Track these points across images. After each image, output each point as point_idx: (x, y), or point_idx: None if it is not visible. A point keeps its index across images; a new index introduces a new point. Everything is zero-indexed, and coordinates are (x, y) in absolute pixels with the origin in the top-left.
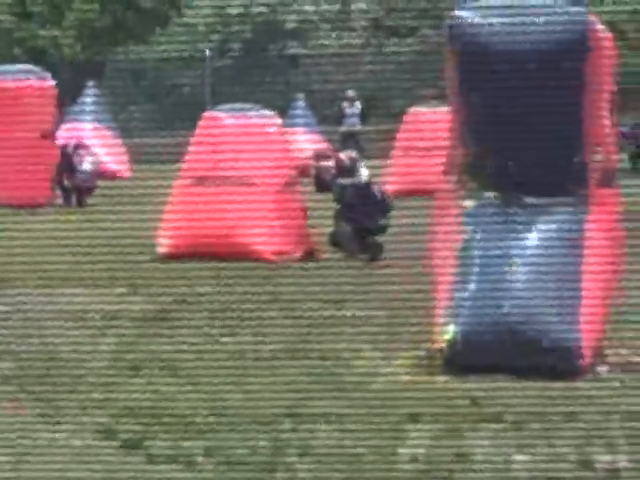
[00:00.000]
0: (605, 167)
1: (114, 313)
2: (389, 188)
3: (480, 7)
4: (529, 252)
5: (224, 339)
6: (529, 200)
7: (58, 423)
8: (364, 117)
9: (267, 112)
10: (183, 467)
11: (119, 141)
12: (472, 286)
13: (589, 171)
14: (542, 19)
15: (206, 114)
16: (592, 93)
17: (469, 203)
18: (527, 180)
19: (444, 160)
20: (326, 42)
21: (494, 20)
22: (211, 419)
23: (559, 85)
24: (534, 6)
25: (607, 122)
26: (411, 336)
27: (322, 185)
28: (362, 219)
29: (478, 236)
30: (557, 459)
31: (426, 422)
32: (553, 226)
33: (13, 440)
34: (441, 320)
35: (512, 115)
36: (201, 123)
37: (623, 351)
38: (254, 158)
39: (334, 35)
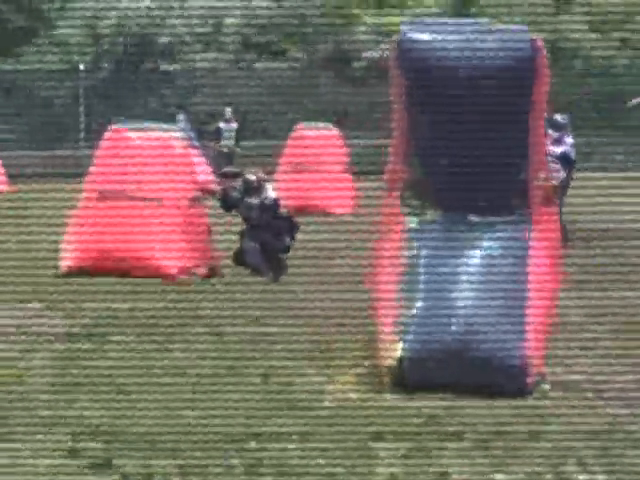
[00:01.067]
0: (545, 185)
1: (36, 330)
2: None
3: (427, 26)
4: (474, 270)
5: (159, 356)
6: (473, 218)
7: (15, 442)
8: (239, 136)
9: (172, 128)
10: None
11: None
12: (419, 304)
13: (532, 189)
14: (490, 38)
15: (111, 128)
16: (537, 112)
17: (413, 221)
18: (471, 198)
19: (339, 177)
20: (197, 58)
21: (442, 39)
22: (176, 437)
23: (507, 104)
24: (479, 25)
25: (544, 142)
26: (345, 353)
27: (228, 204)
28: (269, 238)
29: (423, 254)
30: (536, 478)
31: (391, 440)
32: (498, 244)
33: None
34: (388, 338)
35: (458, 133)
36: (106, 137)
37: (558, 369)
38: (160, 173)
39: (205, 52)
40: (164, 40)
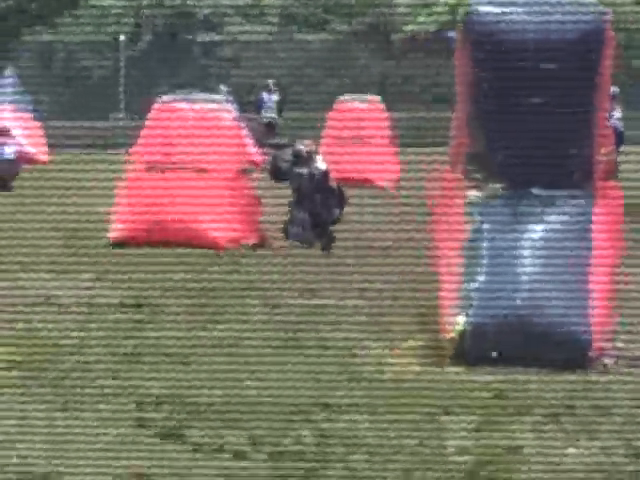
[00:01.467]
0: (608, 160)
1: (89, 300)
2: None
3: (497, 1)
4: (538, 244)
5: (214, 327)
6: (537, 192)
7: (80, 411)
8: (281, 107)
9: (221, 99)
10: (231, 457)
11: (38, 125)
12: (481, 277)
13: (596, 164)
14: (559, 12)
15: (160, 100)
16: (602, 87)
17: (475, 194)
18: (535, 172)
19: (383, 150)
20: (238, 30)
21: (511, 11)
22: (244, 408)
23: (574, 77)
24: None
25: (607, 117)
26: (403, 326)
27: (278, 174)
28: (318, 209)
29: (486, 227)
30: (609, 452)
31: (459, 414)
32: (561, 218)
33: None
34: (450, 311)
35: (524, 107)
36: (155, 109)
37: (621, 344)
38: (208, 145)
39: (247, 25)
40: (204, 12)
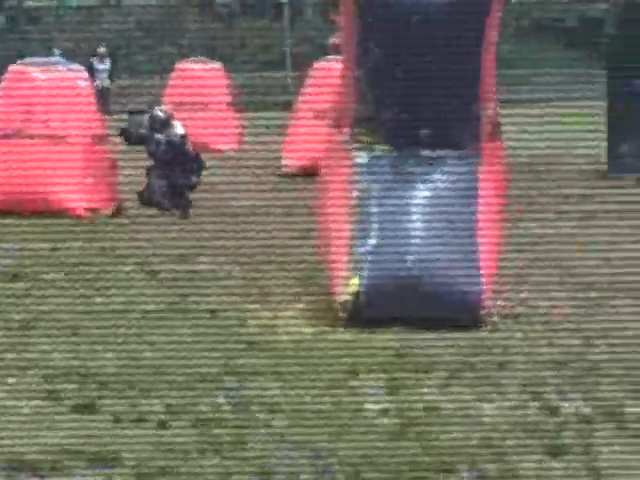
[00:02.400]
0: (492, 121)
1: None
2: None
3: None
4: (426, 205)
5: (97, 294)
6: (424, 153)
7: None
8: (112, 74)
9: (75, 66)
10: (155, 426)
11: None
12: (372, 240)
13: (482, 125)
14: None
15: (12, 67)
16: (489, 47)
17: (362, 156)
18: (423, 133)
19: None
20: None
21: None
22: (152, 378)
23: (460, 37)
24: None
25: (494, 76)
26: (284, 289)
27: (134, 139)
28: (177, 175)
29: (374, 188)
30: (523, 405)
31: (367, 375)
32: (449, 178)
33: None
34: (341, 273)
35: (411, 67)
36: (7, 77)
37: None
38: (64, 112)
39: None
40: None
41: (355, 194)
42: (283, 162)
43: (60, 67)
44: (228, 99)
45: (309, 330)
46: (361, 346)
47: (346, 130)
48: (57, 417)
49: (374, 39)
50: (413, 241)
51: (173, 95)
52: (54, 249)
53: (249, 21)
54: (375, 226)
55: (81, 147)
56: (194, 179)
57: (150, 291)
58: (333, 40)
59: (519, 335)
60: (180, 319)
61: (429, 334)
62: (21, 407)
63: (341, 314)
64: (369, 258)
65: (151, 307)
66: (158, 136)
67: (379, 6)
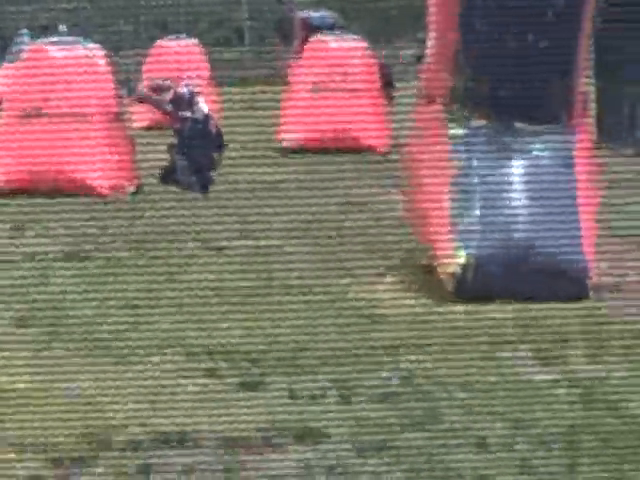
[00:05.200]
0: (585, 96)
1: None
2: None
3: None
4: (526, 177)
5: (175, 271)
6: (520, 126)
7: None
8: None
9: (93, 44)
10: (338, 401)
11: None
12: (477, 212)
13: (577, 99)
14: None
15: (30, 47)
16: (587, 23)
17: (458, 129)
18: (519, 106)
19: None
20: None
21: None
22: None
23: (560, 14)
24: None
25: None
26: (367, 262)
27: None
28: (199, 153)
29: (473, 161)
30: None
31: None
32: (546, 150)
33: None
34: (445, 247)
35: (506, 40)
36: (25, 56)
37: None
38: (84, 90)
39: None
40: None
41: (454, 167)
42: (282, 137)
43: (78, 45)
44: (207, 76)
45: (420, 303)
46: (486, 317)
47: (440, 104)
48: (229, 395)
49: (476, 14)
50: (517, 212)
51: (150, 72)
52: (104, 227)
53: None
54: (478, 198)
55: (102, 125)
56: (216, 157)
57: (232, 267)
58: None
59: (627, 304)
60: (281, 295)
61: (544, 305)
62: (186, 385)
63: (448, 288)
64: (475, 231)
65: (245, 284)
66: (184, 114)
67: None
